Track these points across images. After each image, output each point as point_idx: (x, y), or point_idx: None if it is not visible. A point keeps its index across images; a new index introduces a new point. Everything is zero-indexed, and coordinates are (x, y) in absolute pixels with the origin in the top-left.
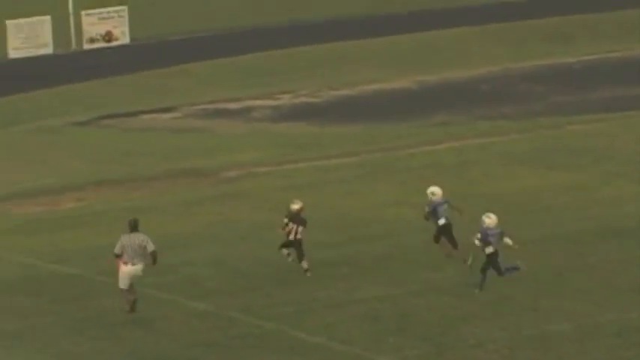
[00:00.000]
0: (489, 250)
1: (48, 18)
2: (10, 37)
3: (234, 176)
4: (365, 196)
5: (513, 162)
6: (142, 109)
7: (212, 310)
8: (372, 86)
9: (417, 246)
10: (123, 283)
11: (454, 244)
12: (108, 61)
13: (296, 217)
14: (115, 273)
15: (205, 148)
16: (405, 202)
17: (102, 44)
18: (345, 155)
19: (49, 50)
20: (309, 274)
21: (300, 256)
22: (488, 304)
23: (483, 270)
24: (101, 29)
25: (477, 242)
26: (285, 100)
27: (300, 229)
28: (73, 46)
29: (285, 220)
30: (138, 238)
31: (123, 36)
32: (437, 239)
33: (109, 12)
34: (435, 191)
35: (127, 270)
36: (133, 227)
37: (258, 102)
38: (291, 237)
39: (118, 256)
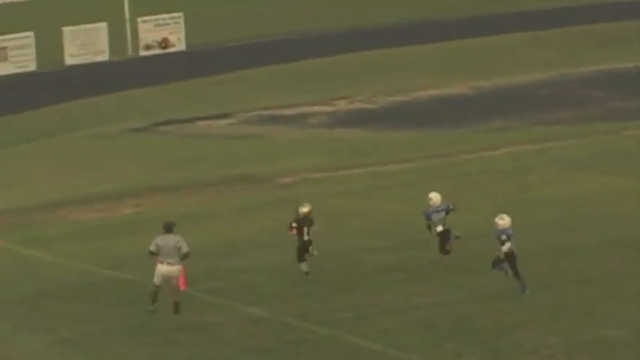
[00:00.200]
0: (506, 249)
1: (104, 25)
2: (66, 44)
3: (290, 182)
4: (420, 201)
5: (570, 167)
6: (198, 116)
7: (267, 315)
8: (428, 92)
9: (472, 252)
10: (157, 279)
11: (448, 251)
12: (164, 68)
13: (305, 220)
14: None
15: (261, 154)
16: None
17: (158, 51)
18: (400, 161)
19: (105, 57)
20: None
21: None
22: (543, 309)
23: (516, 272)
24: (157, 36)
25: (504, 241)
26: (341, 105)
27: (310, 230)
28: (129, 52)
29: (294, 225)
30: (173, 239)
31: (179, 42)
32: (441, 249)
33: (164, 19)
34: (432, 197)
35: (161, 269)
36: (168, 230)
37: (314, 108)
38: (305, 238)
39: (153, 254)
